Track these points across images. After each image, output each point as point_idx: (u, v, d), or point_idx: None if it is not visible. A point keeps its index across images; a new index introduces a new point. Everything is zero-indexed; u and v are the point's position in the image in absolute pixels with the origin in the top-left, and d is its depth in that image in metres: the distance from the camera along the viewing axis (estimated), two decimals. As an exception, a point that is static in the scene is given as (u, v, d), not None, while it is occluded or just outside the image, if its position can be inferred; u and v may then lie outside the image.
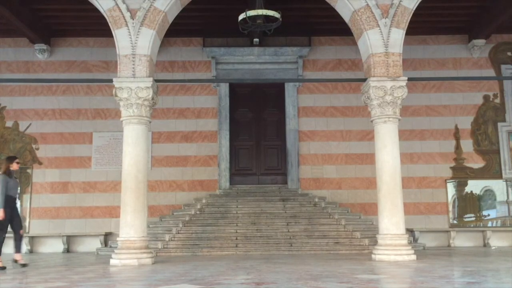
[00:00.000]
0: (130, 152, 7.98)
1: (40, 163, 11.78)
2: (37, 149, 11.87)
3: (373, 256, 7.95)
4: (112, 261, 7.61)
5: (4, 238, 7.37)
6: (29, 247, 11.15)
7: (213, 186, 11.77)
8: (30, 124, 11.92)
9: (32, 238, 11.29)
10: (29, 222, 11.55)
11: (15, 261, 7.45)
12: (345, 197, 11.68)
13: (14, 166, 7.56)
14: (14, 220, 7.45)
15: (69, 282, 5.27)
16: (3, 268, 7.01)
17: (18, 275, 6.37)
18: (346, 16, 8.75)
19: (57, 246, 11.27)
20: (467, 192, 11.81)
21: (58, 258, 9.41)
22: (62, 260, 8.80)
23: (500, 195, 11.78)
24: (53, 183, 11.69)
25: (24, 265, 7.36)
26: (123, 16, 8.23)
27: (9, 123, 11.95)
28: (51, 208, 11.57)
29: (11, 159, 7.62)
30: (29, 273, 6.55)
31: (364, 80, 8.62)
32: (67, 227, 11.47)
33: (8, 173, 7.48)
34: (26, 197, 11.58)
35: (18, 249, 7.52)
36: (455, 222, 11.69)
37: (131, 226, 7.77)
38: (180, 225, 10.44)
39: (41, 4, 10.94)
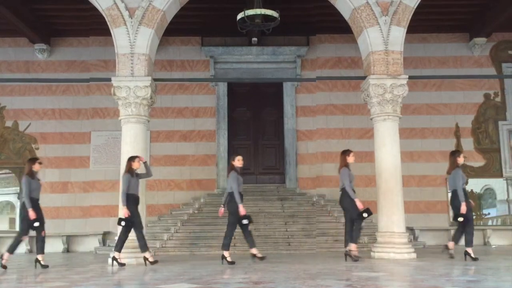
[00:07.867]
0: (129, 151, 7.94)
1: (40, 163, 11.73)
2: (37, 149, 11.84)
3: (372, 254, 7.94)
4: (110, 261, 7.57)
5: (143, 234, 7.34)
6: (28, 247, 11.11)
7: (212, 186, 11.73)
8: (29, 124, 11.88)
9: (32, 238, 11.19)
10: (29, 222, 11.52)
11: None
12: (345, 195, 11.61)
13: (136, 165, 7.49)
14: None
15: (68, 282, 5.25)
16: (155, 261, 7.14)
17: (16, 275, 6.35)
18: (346, 13, 8.74)
19: (57, 246, 11.22)
20: (467, 191, 11.72)
21: (58, 258, 9.39)
22: (62, 260, 8.80)
23: (501, 194, 11.72)
24: (53, 183, 11.63)
25: (153, 263, 7.19)
26: (122, 15, 8.21)
27: (8, 123, 11.92)
28: (51, 208, 11.48)
29: (132, 158, 7.53)
30: (29, 273, 6.54)
31: (364, 78, 8.60)
32: (67, 227, 11.44)
33: (131, 172, 7.44)
34: (26, 197, 11.52)
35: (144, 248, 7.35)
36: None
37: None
38: (179, 224, 10.41)
39: (41, 3, 10.92)
